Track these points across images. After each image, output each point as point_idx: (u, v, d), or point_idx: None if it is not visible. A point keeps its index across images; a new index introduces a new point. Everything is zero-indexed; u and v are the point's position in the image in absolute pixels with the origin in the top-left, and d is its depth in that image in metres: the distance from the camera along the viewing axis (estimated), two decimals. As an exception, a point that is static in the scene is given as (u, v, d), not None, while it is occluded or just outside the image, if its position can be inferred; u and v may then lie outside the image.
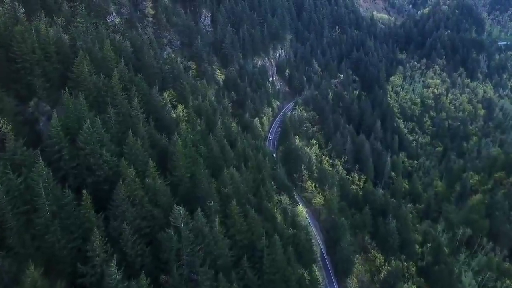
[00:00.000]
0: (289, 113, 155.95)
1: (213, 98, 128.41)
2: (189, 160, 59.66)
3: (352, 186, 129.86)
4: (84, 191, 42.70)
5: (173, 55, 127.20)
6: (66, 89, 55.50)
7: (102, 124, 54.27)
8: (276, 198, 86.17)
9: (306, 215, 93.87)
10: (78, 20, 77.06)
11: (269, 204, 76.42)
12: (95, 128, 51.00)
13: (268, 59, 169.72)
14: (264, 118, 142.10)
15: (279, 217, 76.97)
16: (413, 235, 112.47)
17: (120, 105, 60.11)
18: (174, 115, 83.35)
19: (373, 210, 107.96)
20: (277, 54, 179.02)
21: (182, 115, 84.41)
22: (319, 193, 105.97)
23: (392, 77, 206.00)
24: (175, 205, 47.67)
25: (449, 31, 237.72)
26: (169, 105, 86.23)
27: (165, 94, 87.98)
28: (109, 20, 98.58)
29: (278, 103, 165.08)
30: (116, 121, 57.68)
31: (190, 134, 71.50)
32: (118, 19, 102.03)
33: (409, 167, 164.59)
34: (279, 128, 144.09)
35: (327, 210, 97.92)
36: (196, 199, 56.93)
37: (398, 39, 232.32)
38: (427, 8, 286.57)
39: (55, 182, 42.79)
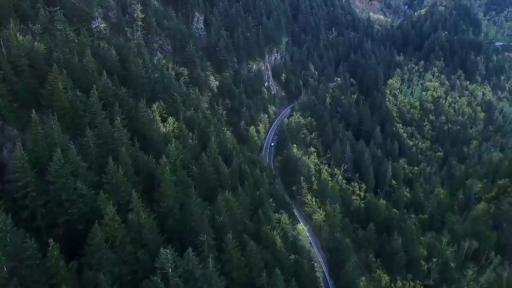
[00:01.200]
0: (286, 119, 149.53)
1: (207, 105, 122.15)
2: (178, 189, 52.52)
3: (353, 197, 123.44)
4: (51, 241, 35.42)
5: (164, 61, 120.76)
6: (38, 109, 48.37)
7: (78, 149, 47.10)
8: (276, 216, 79.47)
9: (307, 234, 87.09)
10: (56, 27, 69.57)
11: (268, 227, 69.79)
12: (69, 156, 43.78)
13: (264, 63, 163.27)
14: (260, 125, 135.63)
15: (279, 241, 70.13)
16: (418, 249, 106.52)
17: (101, 125, 52.84)
18: (164, 130, 76.50)
19: (377, 224, 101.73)
20: (273, 58, 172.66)
21: (173, 130, 77.48)
22: (319, 207, 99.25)
23: (390, 80, 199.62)
24: (161, 249, 40.58)
25: (446, 32, 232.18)
26: (158, 118, 79.40)
27: (154, 106, 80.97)
28: (93, 26, 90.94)
29: (274, 108, 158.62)
30: (96, 145, 50.39)
31: (181, 153, 64.47)
32: (103, 25, 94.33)
33: (410, 174, 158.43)
34: (276, 136, 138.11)
35: (329, 228, 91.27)
36: (187, 233, 49.98)
37: (395, 41, 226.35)
38: (424, 9, 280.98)
39: (15, 228, 35.54)
